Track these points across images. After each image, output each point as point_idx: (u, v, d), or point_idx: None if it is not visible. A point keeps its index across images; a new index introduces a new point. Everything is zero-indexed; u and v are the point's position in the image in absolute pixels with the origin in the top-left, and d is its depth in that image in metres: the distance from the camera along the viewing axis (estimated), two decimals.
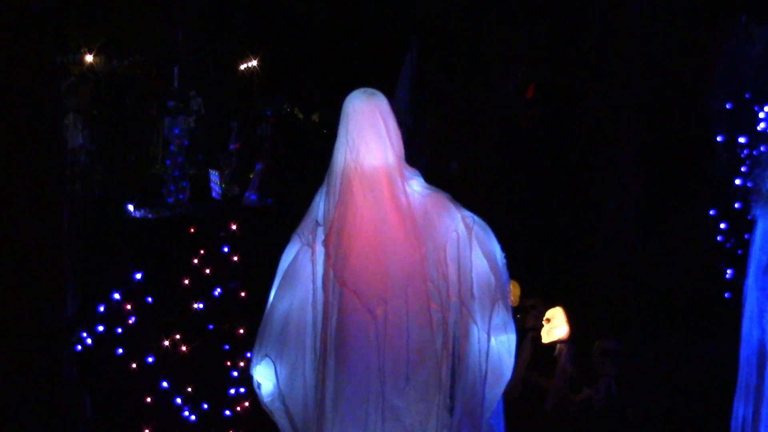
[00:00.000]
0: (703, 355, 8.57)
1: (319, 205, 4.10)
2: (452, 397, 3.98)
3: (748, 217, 5.11)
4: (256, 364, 4.10)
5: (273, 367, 4.07)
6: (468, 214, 4.10)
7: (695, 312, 9.39)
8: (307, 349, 4.04)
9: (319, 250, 4.03)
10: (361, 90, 4.14)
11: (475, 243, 4.03)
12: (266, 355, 4.07)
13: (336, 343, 3.94)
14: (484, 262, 4.05)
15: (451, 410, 3.96)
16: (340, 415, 3.93)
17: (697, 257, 10.22)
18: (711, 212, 10.25)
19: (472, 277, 4.00)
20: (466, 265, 4.00)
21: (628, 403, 7.96)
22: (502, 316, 4.04)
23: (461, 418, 3.97)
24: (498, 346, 4.07)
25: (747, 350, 5.03)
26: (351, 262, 3.92)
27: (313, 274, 4.03)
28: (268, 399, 4.12)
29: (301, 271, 4.09)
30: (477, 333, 3.99)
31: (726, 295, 9.49)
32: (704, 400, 7.87)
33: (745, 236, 9.29)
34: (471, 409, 3.99)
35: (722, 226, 10.04)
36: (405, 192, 4.01)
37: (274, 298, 4.14)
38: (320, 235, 4.03)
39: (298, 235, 4.15)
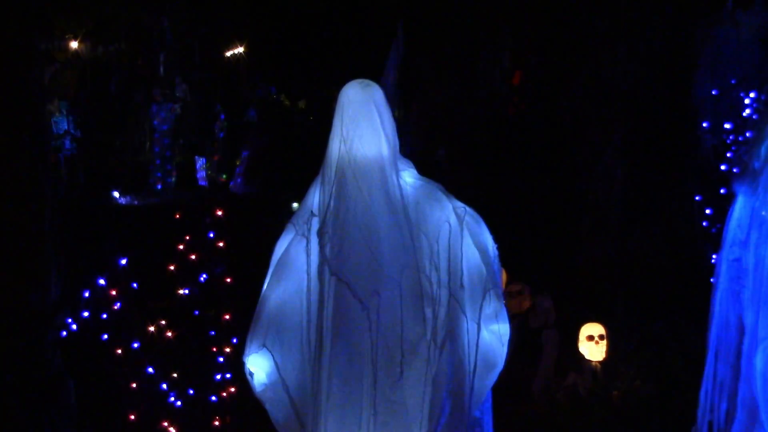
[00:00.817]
0: (688, 339, 8.59)
1: (314, 196, 4.10)
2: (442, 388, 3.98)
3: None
4: (250, 353, 4.09)
5: (268, 357, 4.06)
6: (459, 204, 4.10)
7: (680, 297, 9.42)
8: (304, 339, 4.04)
9: (314, 240, 4.02)
10: (357, 81, 4.10)
11: (466, 233, 4.04)
12: (263, 345, 4.06)
13: (330, 335, 3.94)
14: (476, 252, 4.05)
15: (439, 402, 3.96)
16: (333, 407, 3.94)
17: (683, 243, 10.26)
18: (696, 198, 10.28)
19: (462, 268, 4.01)
20: (456, 255, 4.01)
21: (613, 388, 7.98)
22: (493, 306, 4.05)
23: (449, 410, 3.97)
24: (489, 336, 4.07)
25: (720, 321, 5.07)
26: (344, 254, 3.92)
27: (308, 264, 4.02)
28: (261, 389, 4.11)
29: (295, 261, 4.09)
30: (466, 324, 4.00)
31: (711, 279, 9.51)
32: (689, 385, 7.89)
33: None
34: (459, 400, 3.99)
35: (707, 211, 10.08)
36: (398, 184, 4.00)
37: (267, 287, 4.14)
38: (315, 226, 4.03)
39: (293, 225, 4.15)
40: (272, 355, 4.05)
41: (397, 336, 3.91)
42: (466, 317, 4.00)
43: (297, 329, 4.06)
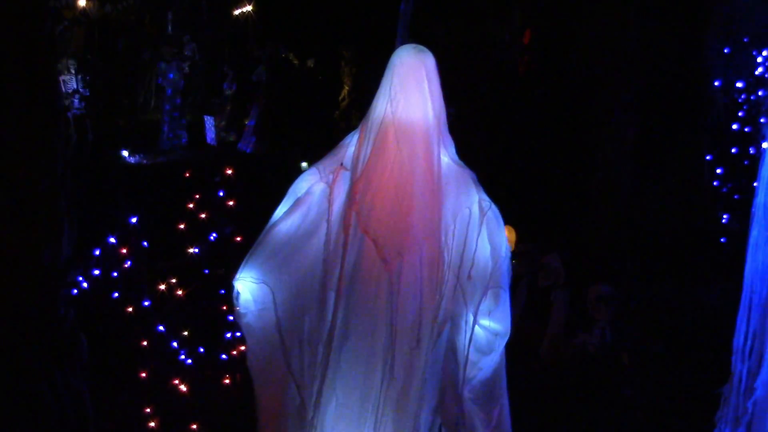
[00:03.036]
0: (697, 299, 8.60)
1: (348, 149, 4.10)
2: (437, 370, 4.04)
3: (760, 140, 5.12)
4: (239, 278, 4.09)
5: (257, 288, 4.07)
6: (486, 198, 4.10)
7: (690, 257, 9.42)
8: (310, 284, 4.05)
9: (338, 192, 4.04)
10: (411, 45, 4.14)
11: (484, 228, 4.05)
12: (264, 282, 4.05)
13: (348, 289, 3.96)
14: (488, 248, 4.06)
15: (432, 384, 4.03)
16: (346, 360, 3.97)
17: (693, 202, 10.24)
18: (707, 157, 10.25)
19: (473, 259, 4.03)
20: (471, 244, 4.03)
21: (622, 348, 8.00)
22: (488, 304, 4.06)
23: (439, 393, 4.05)
24: (482, 330, 4.09)
25: (754, 268, 5.07)
26: (376, 211, 3.93)
27: (329, 213, 4.03)
28: (243, 311, 4.12)
29: (314, 205, 4.09)
30: (465, 314, 4.03)
31: (722, 240, 9.52)
32: (698, 345, 7.91)
33: (742, 181, 9.31)
34: (451, 384, 4.05)
35: (719, 171, 10.05)
36: (438, 154, 4.01)
37: (279, 218, 4.13)
38: (343, 178, 4.05)
39: (318, 169, 4.14)
40: (271, 292, 4.06)
41: (417, 303, 3.94)
42: (466, 307, 4.03)
43: (301, 270, 4.06)
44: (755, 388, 5.07)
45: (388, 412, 3.96)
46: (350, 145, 4.10)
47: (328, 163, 4.14)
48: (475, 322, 4.02)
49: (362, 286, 3.94)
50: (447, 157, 4.09)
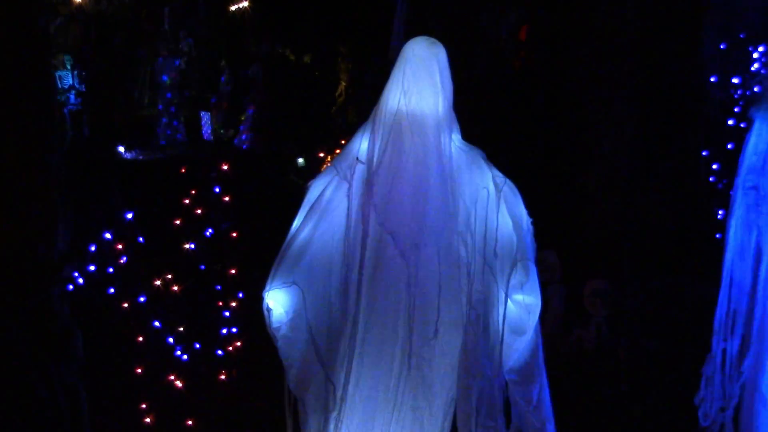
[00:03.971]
0: (693, 295, 8.59)
1: (360, 143, 4.12)
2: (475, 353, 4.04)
3: (748, 115, 5.11)
4: (272, 288, 4.07)
5: (292, 294, 4.06)
6: (499, 174, 4.14)
7: (686, 253, 9.41)
8: (335, 281, 4.07)
9: (357, 186, 4.05)
10: (424, 37, 4.17)
11: (503, 204, 4.08)
12: (293, 282, 4.05)
13: (368, 283, 3.99)
14: (509, 223, 4.10)
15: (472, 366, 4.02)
16: (368, 354, 4.01)
17: (689, 198, 10.24)
18: (704, 153, 10.24)
19: (496, 237, 4.04)
20: (492, 223, 4.05)
21: (619, 344, 7.99)
22: (519, 277, 4.08)
23: (475, 375, 4.02)
24: (514, 306, 4.11)
25: (735, 249, 5.09)
26: (392, 204, 3.97)
27: (349, 209, 4.04)
28: (277, 325, 4.10)
29: (332, 204, 4.10)
30: (497, 292, 4.05)
31: (717, 235, 9.49)
32: (694, 341, 7.90)
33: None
34: (488, 365, 4.05)
35: (714, 166, 10.04)
36: (449, 144, 4.04)
37: (298, 225, 4.14)
38: (359, 172, 4.05)
39: (335, 168, 4.15)
40: (301, 292, 4.05)
41: (434, 294, 3.96)
42: (497, 285, 4.05)
43: (325, 269, 4.08)
44: (742, 372, 5.09)
45: (406, 401, 4.01)
46: (363, 139, 4.11)
47: (343, 159, 4.15)
48: (507, 297, 4.05)
49: (382, 279, 3.98)
50: (455, 141, 4.12)
